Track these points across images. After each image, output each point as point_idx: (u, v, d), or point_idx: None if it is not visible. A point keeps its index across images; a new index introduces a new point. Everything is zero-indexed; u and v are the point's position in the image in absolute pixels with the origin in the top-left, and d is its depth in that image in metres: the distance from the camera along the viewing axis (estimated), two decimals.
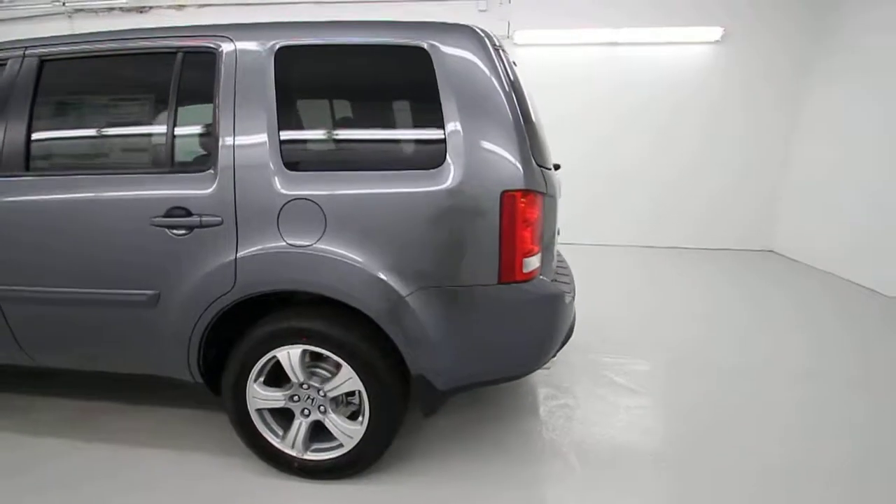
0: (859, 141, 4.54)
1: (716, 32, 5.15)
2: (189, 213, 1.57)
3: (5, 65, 1.75)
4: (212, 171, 1.57)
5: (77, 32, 1.97)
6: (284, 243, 1.54)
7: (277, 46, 1.58)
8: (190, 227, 1.57)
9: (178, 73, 1.62)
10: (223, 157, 1.57)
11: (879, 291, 4.16)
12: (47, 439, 2.03)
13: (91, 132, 1.75)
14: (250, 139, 1.56)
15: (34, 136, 1.70)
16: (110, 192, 1.62)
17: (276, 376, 1.75)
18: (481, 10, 5.41)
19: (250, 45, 1.60)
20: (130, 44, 1.67)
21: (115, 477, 1.81)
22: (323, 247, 1.53)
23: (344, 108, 1.64)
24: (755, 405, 2.33)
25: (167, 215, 1.58)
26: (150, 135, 1.68)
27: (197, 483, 1.78)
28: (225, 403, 1.75)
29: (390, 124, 1.62)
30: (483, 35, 1.57)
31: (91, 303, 1.69)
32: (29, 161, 1.69)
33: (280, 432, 1.77)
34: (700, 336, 3.17)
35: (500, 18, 5.44)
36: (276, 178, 1.54)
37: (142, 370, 1.82)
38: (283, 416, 1.80)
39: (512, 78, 1.58)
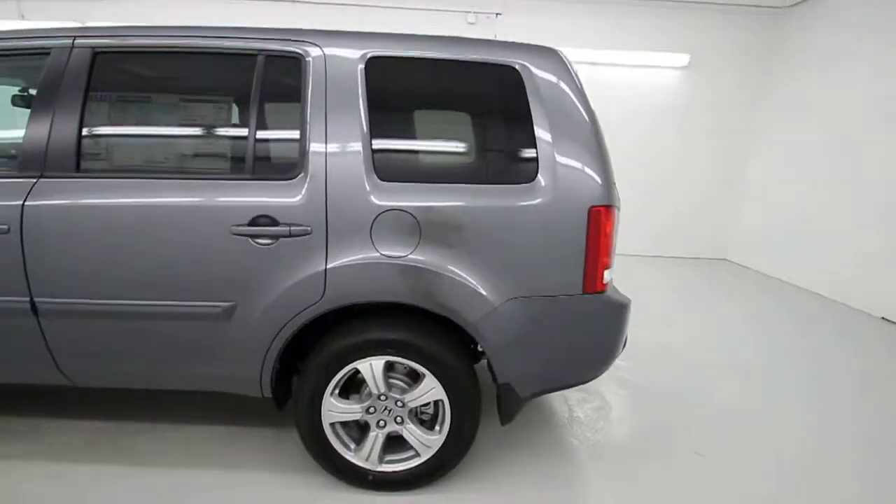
0: (801, 165, 5.16)
1: (683, 59, 5.63)
2: (275, 223, 1.51)
3: (48, 54, 1.59)
4: (299, 178, 1.53)
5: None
6: (378, 254, 1.53)
7: (368, 56, 1.58)
8: (275, 237, 1.52)
9: (261, 77, 1.56)
10: (313, 166, 1.53)
11: (814, 291, 4.84)
12: (83, 466, 1.84)
13: (157, 133, 1.63)
14: (343, 148, 1.53)
15: (86, 134, 1.56)
16: (184, 198, 1.52)
17: (345, 388, 1.72)
18: (470, 24, 5.54)
19: (340, 53, 1.58)
20: (201, 41, 1.58)
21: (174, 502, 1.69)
22: (418, 258, 1.54)
23: (434, 120, 1.66)
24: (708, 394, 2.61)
25: (251, 224, 1.51)
26: (228, 139, 1.60)
27: (262, 501, 1.70)
28: (297, 418, 1.69)
29: (482, 139, 1.66)
30: (567, 59, 1.66)
31: (156, 316, 1.57)
32: (80, 161, 1.55)
33: (352, 445, 1.74)
34: (670, 331, 3.55)
35: (487, 32, 5.59)
36: (370, 188, 1.53)
37: (202, 386, 1.71)
38: (350, 428, 1.78)
39: (588, 100, 1.68)
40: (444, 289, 1.54)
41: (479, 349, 1.77)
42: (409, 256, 1.53)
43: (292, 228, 1.51)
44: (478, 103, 1.64)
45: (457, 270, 1.55)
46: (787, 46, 5.41)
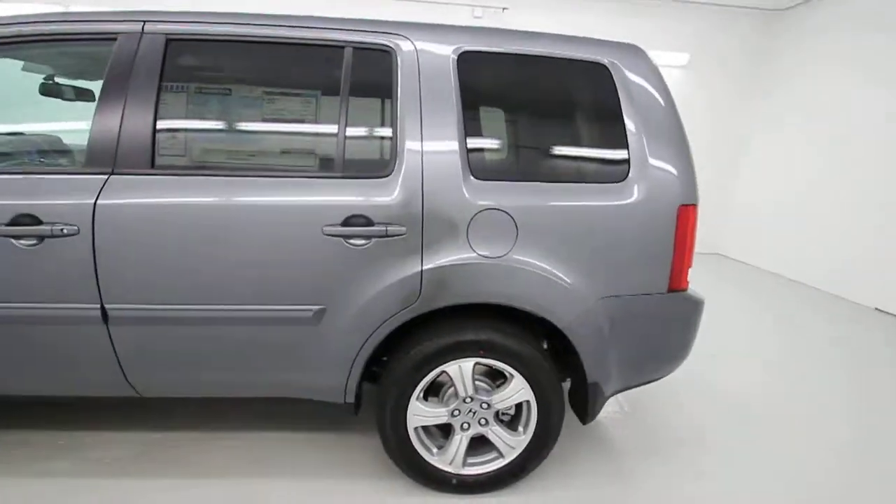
0: (795, 162, 5.38)
1: (683, 58, 5.76)
2: (370, 222, 1.45)
3: (114, 39, 1.47)
4: (392, 177, 1.48)
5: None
6: (475, 254, 1.50)
7: (461, 51, 1.53)
8: (370, 237, 1.46)
9: (349, 70, 1.49)
10: (408, 164, 1.47)
11: (801, 281, 5.12)
12: (137, 480, 1.74)
13: (240, 129, 1.53)
14: (438, 146, 1.48)
15: (162, 128, 1.45)
16: (271, 197, 1.44)
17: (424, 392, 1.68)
18: (476, 17, 5.49)
19: (432, 47, 1.52)
20: (285, 31, 1.49)
21: None
22: (516, 257, 1.51)
23: (524, 117, 1.63)
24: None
25: (345, 224, 1.45)
26: (316, 135, 1.52)
27: None
28: (381, 423, 1.64)
29: (574, 138, 1.63)
30: (651, 58, 1.65)
31: (239, 321, 1.48)
32: (155, 157, 1.44)
33: (434, 449, 1.71)
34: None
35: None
36: (466, 187, 1.49)
37: (280, 393, 1.63)
38: (430, 432, 1.74)
39: (672, 97, 1.69)
40: (542, 289, 1.52)
41: (545, 348, 1.77)
42: (507, 256, 1.51)
43: (389, 228, 1.46)
44: (569, 100, 1.61)
45: (553, 270, 1.53)
46: (785, 47, 5.61)
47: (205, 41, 1.48)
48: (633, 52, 1.63)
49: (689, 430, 2.24)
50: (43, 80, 1.96)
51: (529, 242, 1.52)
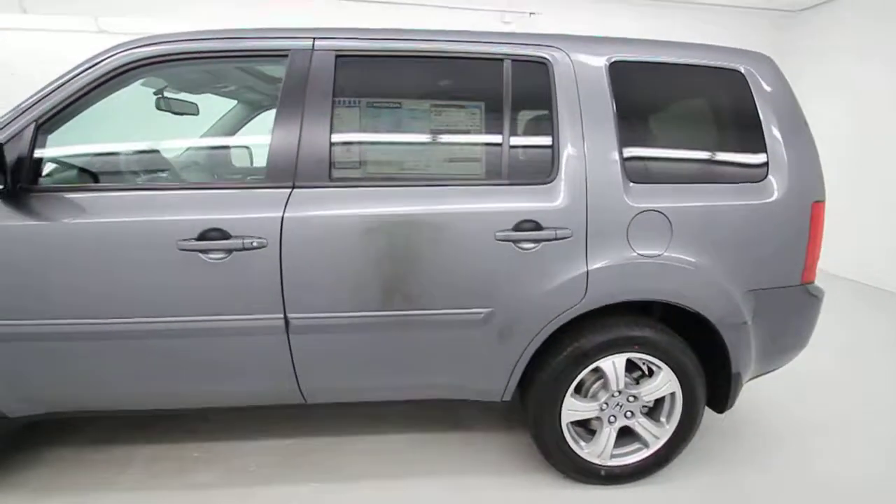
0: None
1: None
2: (539, 227, 1.52)
3: (286, 56, 1.51)
4: (556, 183, 1.54)
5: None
6: (635, 254, 1.57)
7: (612, 60, 1.61)
8: (539, 241, 1.52)
9: (510, 82, 1.55)
10: (570, 170, 1.54)
11: (845, 276, 5.24)
12: (285, 486, 1.77)
13: (410, 140, 1.58)
14: (599, 152, 1.56)
15: (336, 141, 1.50)
16: (445, 205, 1.50)
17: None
18: (505, 23, 5.58)
19: (585, 58, 1.59)
20: (446, 45, 1.55)
21: None
22: (672, 255, 1.59)
23: (672, 123, 1.71)
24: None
25: (516, 229, 1.51)
26: (482, 144, 1.58)
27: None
28: (532, 419, 1.70)
29: (716, 140, 1.72)
30: (778, 65, 1.76)
31: (413, 325, 1.53)
32: (332, 170, 1.49)
33: (582, 443, 1.77)
34: None
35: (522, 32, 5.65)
36: (624, 191, 1.56)
37: (441, 394, 1.68)
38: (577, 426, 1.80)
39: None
40: (696, 285, 1.60)
41: None
42: (664, 255, 1.59)
43: (558, 232, 1.52)
44: (710, 106, 1.71)
45: (704, 266, 1.61)
46: (797, 49, 5.82)
47: (372, 56, 1.54)
48: (764, 60, 1.73)
49: (808, 420, 2.31)
50: (159, 96, 1.99)
51: (683, 241, 1.60)
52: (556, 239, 1.53)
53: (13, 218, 1.40)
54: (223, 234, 1.42)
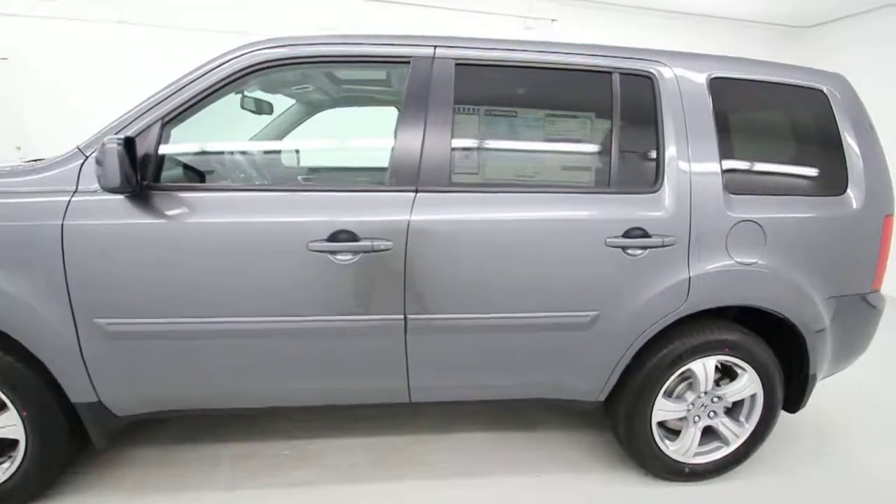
0: None
1: None
2: (646, 234, 1.58)
3: (407, 63, 1.54)
4: (661, 192, 1.61)
5: None
6: (733, 261, 1.65)
7: (712, 77, 1.68)
8: (646, 248, 1.59)
9: (618, 94, 1.62)
10: (674, 180, 1.62)
11: None
12: (397, 483, 1.80)
13: (524, 148, 1.62)
14: (702, 163, 1.63)
15: (456, 147, 1.54)
16: (558, 211, 1.55)
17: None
18: (528, 28, 5.67)
19: (688, 74, 1.67)
20: (559, 57, 1.61)
21: None
22: (765, 263, 1.67)
23: (762, 137, 1.80)
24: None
25: (626, 235, 1.57)
26: (592, 153, 1.63)
27: (596, 500, 1.77)
28: (620, 419, 1.77)
29: (802, 154, 1.81)
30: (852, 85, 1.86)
31: (522, 328, 1.58)
32: (451, 175, 1.52)
33: (667, 441, 1.84)
34: None
35: (543, 39, 5.75)
36: (724, 201, 1.64)
37: (539, 394, 1.74)
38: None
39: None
40: (786, 292, 1.69)
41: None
42: (759, 263, 1.67)
43: (665, 239, 1.59)
44: (796, 122, 1.80)
45: (793, 274, 1.70)
46: (809, 63, 6.07)
47: (489, 66, 1.58)
48: (842, 80, 1.83)
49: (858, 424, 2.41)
50: (246, 95, 1.99)
51: (775, 250, 1.69)
52: (662, 246, 1.60)
53: (139, 216, 1.40)
54: (352, 237, 1.45)
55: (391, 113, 1.90)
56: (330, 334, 1.51)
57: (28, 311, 1.36)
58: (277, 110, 2.29)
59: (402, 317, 1.52)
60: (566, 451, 2.05)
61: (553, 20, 5.68)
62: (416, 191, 1.51)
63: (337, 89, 2.25)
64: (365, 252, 1.45)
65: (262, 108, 2.14)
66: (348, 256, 1.45)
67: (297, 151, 1.99)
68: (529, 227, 1.54)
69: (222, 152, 1.79)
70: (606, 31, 5.81)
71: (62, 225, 1.35)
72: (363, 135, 1.79)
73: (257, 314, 1.46)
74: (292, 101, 2.37)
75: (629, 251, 1.59)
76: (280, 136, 2.11)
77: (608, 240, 1.57)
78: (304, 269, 1.44)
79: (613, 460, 1.99)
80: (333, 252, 1.45)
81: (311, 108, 2.38)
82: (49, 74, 5.27)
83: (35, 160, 1.73)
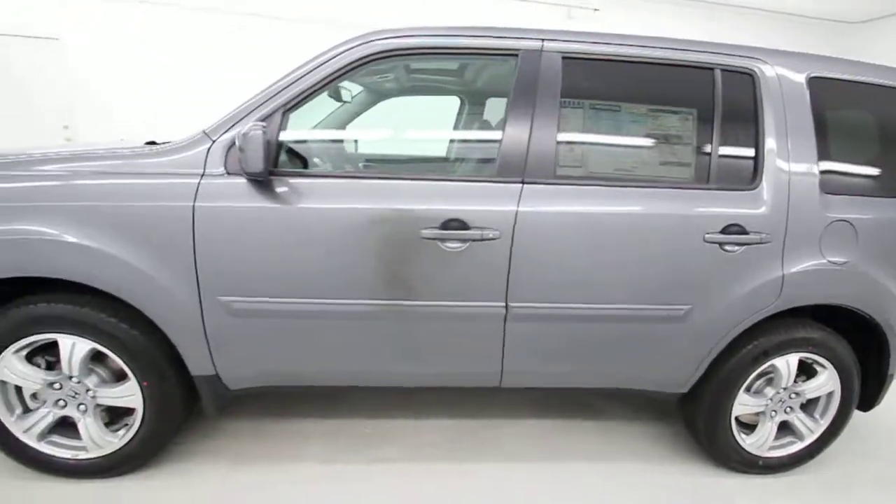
0: None
1: None
2: (744, 231, 1.61)
3: (515, 56, 1.56)
4: (760, 190, 1.63)
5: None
6: (825, 261, 1.67)
7: (811, 76, 1.69)
8: (742, 244, 1.61)
9: (720, 91, 1.63)
10: (772, 178, 1.63)
11: None
12: (472, 464, 1.87)
13: (627, 142, 1.65)
14: (800, 163, 1.65)
15: (561, 140, 1.57)
16: (660, 206, 1.58)
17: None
18: (571, 18, 5.62)
19: (788, 73, 1.67)
20: (661, 53, 1.62)
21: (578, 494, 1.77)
22: (855, 263, 1.69)
23: (855, 138, 1.81)
24: None
25: (724, 232, 1.60)
26: (692, 149, 1.65)
27: (669, 490, 1.82)
28: (709, 411, 1.81)
29: (883, 154, 1.81)
30: None
31: (618, 319, 1.63)
32: (556, 168, 1.56)
33: (742, 436, 1.88)
34: None
35: (586, 28, 5.69)
36: (820, 201, 1.66)
37: (625, 384, 1.79)
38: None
39: None
40: (874, 292, 1.71)
41: None
42: (849, 262, 1.69)
43: (762, 236, 1.61)
44: (886, 124, 1.80)
45: (879, 274, 1.72)
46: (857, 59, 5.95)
47: (594, 60, 1.60)
48: None
49: None
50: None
51: (865, 250, 1.70)
52: (759, 243, 1.62)
53: (262, 200, 1.45)
54: (462, 225, 1.49)
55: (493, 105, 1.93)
56: (434, 318, 1.57)
57: (159, 288, 1.44)
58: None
59: (503, 304, 1.56)
60: (633, 440, 2.10)
61: (596, 10, 5.63)
62: (523, 182, 1.54)
63: (410, 79, 2.28)
64: (474, 240, 1.50)
65: (340, 95, 2.18)
66: (457, 244, 1.50)
67: (402, 140, 2.03)
68: (631, 220, 1.58)
69: (331, 140, 1.84)
70: (651, 21, 5.75)
71: (193, 206, 1.42)
72: (463, 126, 1.83)
73: (369, 297, 1.52)
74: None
75: (726, 247, 1.61)
76: (363, 125, 2.16)
77: (707, 235, 1.59)
78: (416, 255, 1.50)
79: (681, 451, 2.04)
80: (444, 240, 1.49)
81: (380, 98, 2.42)
82: (98, 56, 5.36)
83: (150, 142, 1.80)
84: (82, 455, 1.61)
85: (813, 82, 1.69)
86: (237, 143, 1.31)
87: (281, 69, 1.54)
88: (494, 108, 1.85)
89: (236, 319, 1.49)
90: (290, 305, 1.49)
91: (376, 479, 1.77)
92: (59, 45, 5.21)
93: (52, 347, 1.55)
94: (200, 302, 1.47)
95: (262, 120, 1.46)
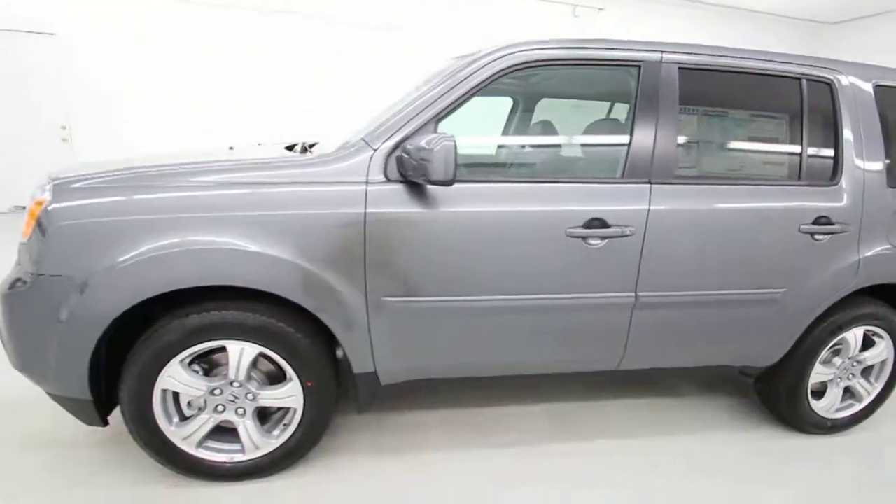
0: None
1: None
2: (830, 221, 1.84)
3: (637, 66, 1.70)
4: (840, 185, 1.86)
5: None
6: (890, 245, 1.93)
7: (876, 84, 1.92)
8: (828, 233, 1.84)
9: (806, 98, 1.84)
10: (850, 174, 1.87)
11: None
12: (579, 444, 2.03)
13: (733, 144, 1.83)
14: (872, 162, 1.90)
15: (679, 143, 1.73)
16: (763, 201, 1.78)
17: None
18: (576, 16, 5.81)
19: (858, 82, 1.91)
20: (756, 63, 1.81)
21: (671, 465, 1.96)
22: None
23: None
24: None
25: (814, 223, 1.82)
26: (785, 149, 1.86)
27: (764, 455, 2.04)
28: (792, 381, 2.04)
29: None
30: None
31: (729, 303, 1.83)
32: (675, 169, 1.72)
33: (814, 401, 2.13)
34: None
35: (590, 27, 5.91)
36: (888, 194, 1.91)
37: (720, 361, 1.99)
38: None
39: None
40: None
41: None
42: None
43: (844, 226, 1.85)
44: None
45: None
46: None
47: (705, 70, 1.77)
48: None
49: None
50: None
51: None
52: (841, 232, 1.86)
53: (423, 205, 1.54)
54: (603, 223, 1.64)
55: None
56: (573, 310, 1.71)
57: (334, 292, 1.50)
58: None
59: (633, 294, 1.73)
60: (713, 412, 2.32)
61: (600, 9, 5.85)
62: (650, 182, 1.70)
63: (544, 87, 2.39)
64: (612, 237, 1.65)
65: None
66: (598, 241, 1.65)
67: (544, 146, 2.15)
68: (742, 215, 1.77)
69: (479, 147, 1.92)
70: (652, 21, 6.04)
71: (364, 213, 1.48)
72: (591, 131, 1.97)
73: (518, 292, 1.64)
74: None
75: (816, 236, 1.84)
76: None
77: (801, 226, 1.82)
78: (561, 253, 1.63)
79: (757, 419, 2.28)
80: (586, 237, 1.63)
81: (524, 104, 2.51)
82: (93, 51, 5.08)
83: (291, 146, 1.81)
84: (238, 457, 1.66)
85: (878, 90, 1.94)
86: (420, 152, 1.39)
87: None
88: (617, 113, 2.00)
89: (397, 318, 1.58)
90: (444, 304, 1.60)
91: (504, 459, 1.90)
92: (55, 40, 4.92)
93: (206, 355, 1.59)
94: (366, 303, 1.54)
95: (419, 129, 1.55)
